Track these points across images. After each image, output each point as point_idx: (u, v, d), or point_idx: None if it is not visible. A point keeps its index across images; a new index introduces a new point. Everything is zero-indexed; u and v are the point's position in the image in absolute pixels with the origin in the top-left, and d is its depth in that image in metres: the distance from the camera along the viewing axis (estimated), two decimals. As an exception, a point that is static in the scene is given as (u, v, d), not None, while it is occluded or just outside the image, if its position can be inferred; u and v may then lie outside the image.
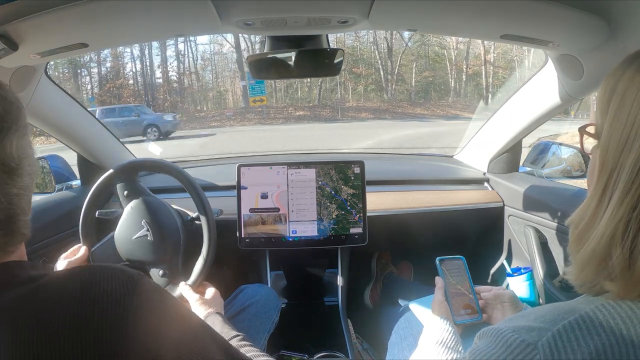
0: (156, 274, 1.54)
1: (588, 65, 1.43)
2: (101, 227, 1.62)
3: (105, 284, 0.61)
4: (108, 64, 35.04)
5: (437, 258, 1.37)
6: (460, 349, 1.17)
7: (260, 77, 1.61)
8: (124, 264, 1.54)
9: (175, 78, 36.84)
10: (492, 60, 39.32)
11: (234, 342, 1.18)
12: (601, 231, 0.66)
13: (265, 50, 1.52)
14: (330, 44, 1.53)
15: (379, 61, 36.96)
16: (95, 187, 1.60)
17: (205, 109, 36.47)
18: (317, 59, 1.56)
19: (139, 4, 1.14)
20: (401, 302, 1.95)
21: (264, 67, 1.57)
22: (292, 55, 1.51)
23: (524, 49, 35.31)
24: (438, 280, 1.34)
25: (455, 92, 40.01)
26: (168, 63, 36.65)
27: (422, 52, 39.53)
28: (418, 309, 1.54)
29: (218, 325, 1.27)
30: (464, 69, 39.20)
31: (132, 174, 1.59)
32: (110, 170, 1.59)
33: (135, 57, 35.26)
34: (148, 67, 35.95)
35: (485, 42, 30.60)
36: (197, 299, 1.40)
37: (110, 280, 0.62)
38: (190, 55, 38.42)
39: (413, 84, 38.10)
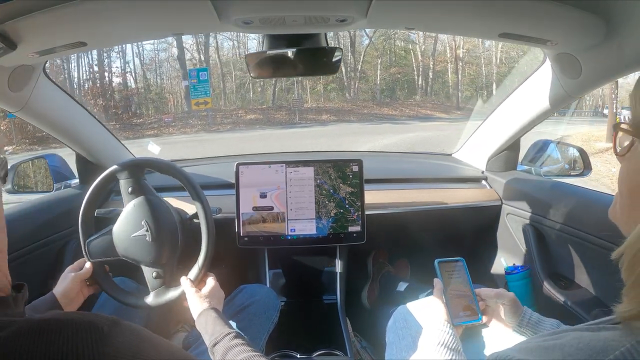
0: (150, 274, 1.53)
1: (586, 64, 1.43)
2: (100, 226, 1.62)
3: (68, 344, 0.56)
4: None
5: (436, 260, 1.37)
6: (460, 349, 1.17)
7: (259, 75, 1.61)
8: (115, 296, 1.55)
9: (108, 79, 33.10)
10: (461, 56, 37.94)
11: (227, 340, 1.18)
12: None
13: (263, 49, 1.51)
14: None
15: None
16: (99, 181, 1.56)
17: (144, 113, 32.97)
18: (315, 57, 1.56)
19: (138, 3, 1.14)
20: (400, 285, 1.96)
21: (263, 66, 1.57)
22: (291, 53, 1.51)
23: (490, 44, 34.42)
24: (436, 282, 1.34)
25: (422, 90, 38.55)
26: (100, 61, 32.87)
27: (387, 47, 37.84)
28: (416, 310, 1.55)
29: (211, 321, 1.27)
30: (431, 66, 38.14)
31: (139, 171, 1.58)
32: (115, 166, 1.58)
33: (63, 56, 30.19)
34: (76, 66, 32.21)
35: (456, 36, 29.29)
36: (194, 293, 1.40)
37: (75, 339, 0.57)
38: (131, 52, 35.37)
39: (378, 82, 36.79)
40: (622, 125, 0.64)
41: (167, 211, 1.57)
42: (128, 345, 0.62)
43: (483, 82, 37.90)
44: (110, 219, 1.58)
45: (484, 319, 1.31)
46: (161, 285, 1.53)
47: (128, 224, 1.52)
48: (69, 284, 1.44)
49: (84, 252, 1.53)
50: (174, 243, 1.55)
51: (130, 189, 1.55)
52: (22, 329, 0.57)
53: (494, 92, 37.78)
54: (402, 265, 2.53)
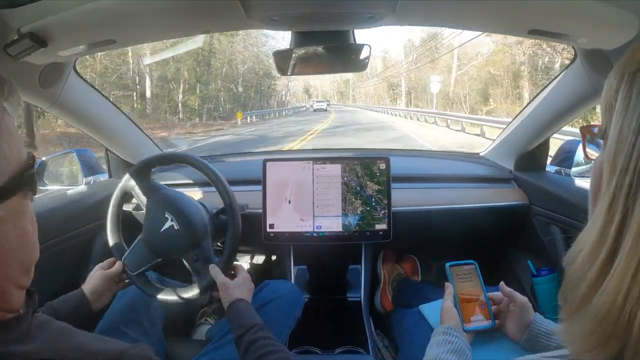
0: (190, 260, 1.53)
1: (617, 61, 1.39)
2: (127, 221, 1.64)
3: None
4: None
5: (447, 263, 1.36)
6: (470, 356, 1.16)
7: (286, 72, 1.60)
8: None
9: None
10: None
11: (253, 332, 1.21)
12: (616, 279, 0.49)
13: (290, 46, 1.51)
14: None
15: None
16: (117, 192, 1.62)
17: None
18: (343, 55, 1.55)
19: (166, 2, 1.15)
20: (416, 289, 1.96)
21: (290, 62, 1.57)
22: (318, 50, 1.51)
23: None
24: (447, 286, 1.34)
25: (136, 99, 27.23)
26: None
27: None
28: (429, 313, 1.54)
29: (241, 312, 1.30)
30: (147, 53, 27.35)
31: (145, 173, 1.61)
32: (126, 175, 1.61)
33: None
34: None
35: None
36: (224, 284, 1.41)
37: None
38: None
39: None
40: (591, 129, 0.64)
41: (184, 198, 1.60)
42: None
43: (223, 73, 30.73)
44: (139, 215, 1.60)
45: (497, 323, 1.30)
46: (203, 267, 1.52)
47: (153, 224, 1.54)
48: (98, 281, 1.46)
49: (124, 269, 1.54)
50: (202, 223, 1.57)
51: (142, 192, 1.59)
52: None
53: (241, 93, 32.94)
54: (409, 264, 2.51)
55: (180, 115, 31.63)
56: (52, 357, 0.60)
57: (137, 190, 1.60)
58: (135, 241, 1.57)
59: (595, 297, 0.51)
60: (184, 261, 1.54)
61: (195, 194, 2.03)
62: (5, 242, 0.62)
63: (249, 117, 33.68)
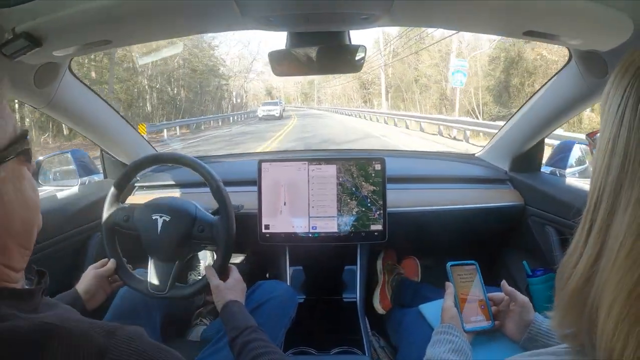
0: (198, 236, 1.53)
1: (613, 63, 1.40)
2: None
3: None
4: None
5: (449, 263, 1.36)
6: (470, 356, 1.16)
7: (281, 73, 1.60)
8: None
9: None
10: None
11: (246, 333, 1.21)
12: (579, 269, 0.59)
13: (286, 46, 1.51)
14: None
15: None
16: (105, 233, 1.60)
17: None
18: (338, 55, 1.55)
19: (161, 2, 1.15)
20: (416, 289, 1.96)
21: (285, 63, 1.57)
22: (314, 51, 1.51)
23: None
24: (448, 286, 1.34)
25: None
26: None
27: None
28: (429, 313, 1.54)
29: (234, 314, 1.31)
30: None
31: (118, 195, 1.62)
32: (105, 204, 1.61)
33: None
34: None
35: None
36: (217, 286, 1.42)
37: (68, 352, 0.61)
38: None
39: None
40: (593, 135, 0.69)
41: (156, 197, 1.62)
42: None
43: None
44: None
45: (497, 324, 1.30)
46: (213, 234, 1.52)
47: (149, 230, 1.53)
48: (91, 281, 1.47)
49: (153, 295, 1.53)
50: (183, 201, 1.60)
51: (124, 218, 1.59)
52: (19, 328, 0.61)
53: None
54: (410, 264, 2.51)
55: (54, 131, 22.00)
56: (54, 322, 0.63)
57: (121, 222, 1.59)
58: (150, 265, 1.56)
59: (567, 283, 0.60)
60: (197, 241, 1.54)
61: (192, 195, 2.03)
62: (8, 200, 0.70)
63: (165, 131, 24.25)
